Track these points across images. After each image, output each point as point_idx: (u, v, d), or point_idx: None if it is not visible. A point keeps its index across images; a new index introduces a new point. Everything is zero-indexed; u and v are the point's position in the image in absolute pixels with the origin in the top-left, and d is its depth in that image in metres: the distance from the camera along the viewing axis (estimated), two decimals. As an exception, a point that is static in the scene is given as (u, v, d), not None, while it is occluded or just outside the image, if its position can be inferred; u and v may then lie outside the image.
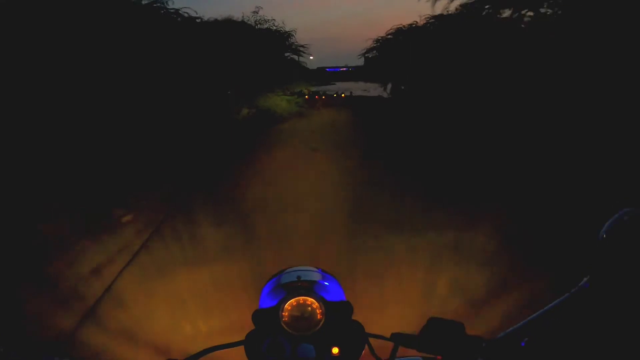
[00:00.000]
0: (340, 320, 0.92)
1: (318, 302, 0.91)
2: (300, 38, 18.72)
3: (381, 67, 18.74)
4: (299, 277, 0.96)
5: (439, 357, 0.89)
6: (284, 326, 0.90)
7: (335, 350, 0.91)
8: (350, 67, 38.44)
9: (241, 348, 0.93)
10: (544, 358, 0.80)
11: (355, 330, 0.93)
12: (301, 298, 0.92)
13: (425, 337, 0.88)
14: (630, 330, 0.74)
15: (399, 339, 0.92)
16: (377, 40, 17.72)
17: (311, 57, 19.21)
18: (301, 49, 18.08)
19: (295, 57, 18.20)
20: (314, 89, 24.65)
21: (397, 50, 16.91)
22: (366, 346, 0.93)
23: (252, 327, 0.92)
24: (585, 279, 0.78)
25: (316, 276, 0.97)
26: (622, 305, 0.75)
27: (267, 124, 14.25)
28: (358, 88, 27.88)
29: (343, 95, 25.88)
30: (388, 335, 0.93)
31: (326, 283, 0.96)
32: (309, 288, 0.93)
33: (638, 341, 0.74)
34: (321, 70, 36.21)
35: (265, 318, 0.92)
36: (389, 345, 0.92)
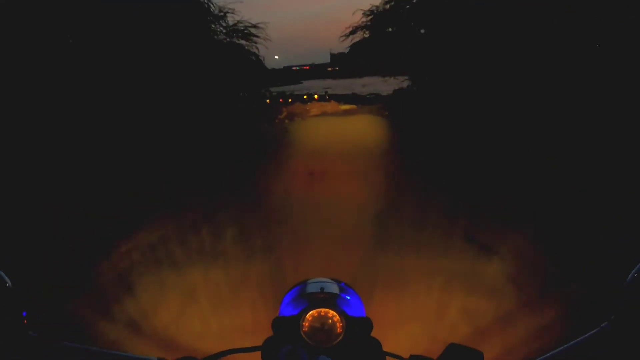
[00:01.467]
0: (359, 336, 0.90)
1: (339, 316, 0.90)
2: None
3: (370, 55, 12.83)
4: (322, 288, 0.94)
5: None
6: (304, 336, 0.89)
7: None
8: (316, 64, 36.42)
9: (257, 353, 0.91)
10: None
11: (373, 348, 0.90)
12: (323, 310, 0.91)
13: None
14: None
15: None
16: (370, 12, 11.58)
17: (276, 57, 14.09)
18: (252, 30, 11.75)
19: (244, 43, 11.86)
20: (279, 89, 19.41)
21: (401, 26, 10.95)
22: None
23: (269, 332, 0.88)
24: (606, 321, 0.80)
25: (339, 289, 0.95)
26: None
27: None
28: (326, 86, 23.26)
29: (316, 96, 19.61)
30: (405, 355, 0.93)
31: (348, 297, 0.94)
32: (331, 301, 0.92)
33: None
34: (287, 69, 34.08)
35: (285, 326, 0.90)
36: None
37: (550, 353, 0.83)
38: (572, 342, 0.82)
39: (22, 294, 0.85)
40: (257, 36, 12.09)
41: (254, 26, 11.79)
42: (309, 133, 9.56)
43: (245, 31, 11.86)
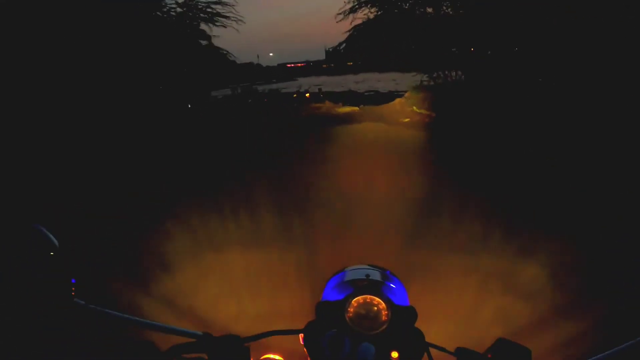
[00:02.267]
0: (404, 326, 0.88)
1: (385, 304, 0.88)
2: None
3: (375, 40, 10.03)
4: (367, 275, 0.92)
5: None
6: (348, 322, 0.87)
7: (395, 354, 0.86)
8: (311, 61, 38.22)
9: (297, 337, 0.88)
10: None
11: (416, 338, 0.88)
12: (369, 297, 0.88)
13: (491, 358, 0.85)
14: None
15: (463, 354, 0.88)
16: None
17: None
18: (217, 7, 8.67)
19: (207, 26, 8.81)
20: (272, 86, 18.10)
21: None
22: (425, 355, 0.88)
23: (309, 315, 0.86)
24: None
25: (384, 277, 0.93)
26: None
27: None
28: (320, 83, 21.11)
29: (308, 95, 16.59)
30: (450, 347, 0.89)
31: (393, 285, 0.92)
32: (376, 288, 0.89)
33: None
34: (282, 66, 36.04)
35: (329, 311, 0.88)
36: (449, 357, 0.88)
37: (598, 356, 0.80)
38: (618, 348, 0.78)
39: (71, 260, 0.83)
40: (226, 17, 9.06)
41: (219, 2, 8.73)
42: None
43: (208, 9, 8.82)
